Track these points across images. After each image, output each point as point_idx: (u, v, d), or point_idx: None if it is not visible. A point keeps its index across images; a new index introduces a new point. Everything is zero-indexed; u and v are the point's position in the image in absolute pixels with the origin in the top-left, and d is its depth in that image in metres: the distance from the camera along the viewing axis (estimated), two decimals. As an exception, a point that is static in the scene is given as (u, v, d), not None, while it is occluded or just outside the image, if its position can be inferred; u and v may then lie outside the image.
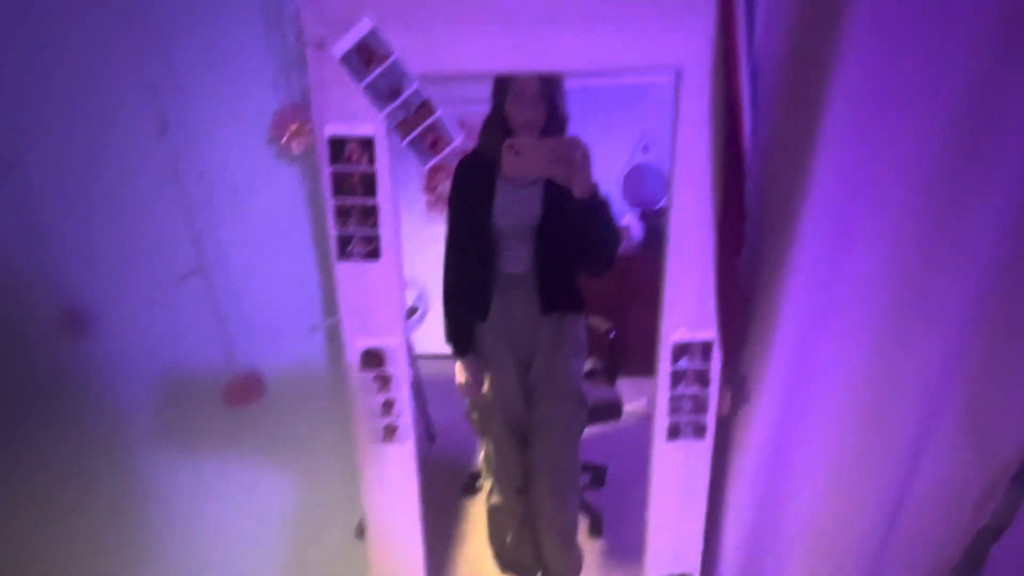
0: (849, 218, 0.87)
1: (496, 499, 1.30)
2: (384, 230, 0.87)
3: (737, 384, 0.96)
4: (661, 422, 0.95)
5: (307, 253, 0.96)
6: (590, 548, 1.56)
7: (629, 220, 2.49)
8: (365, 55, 0.80)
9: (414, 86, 0.81)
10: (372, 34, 0.79)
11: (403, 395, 0.96)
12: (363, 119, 0.83)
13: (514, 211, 1.13)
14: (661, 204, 2.51)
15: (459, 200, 1.18)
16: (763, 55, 0.79)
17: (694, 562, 1.05)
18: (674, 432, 0.95)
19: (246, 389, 1.01)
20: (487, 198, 1.13)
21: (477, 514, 1.68)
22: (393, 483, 1.00)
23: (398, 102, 0.82)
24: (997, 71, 0.78)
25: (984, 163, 0.82)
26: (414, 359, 1.95)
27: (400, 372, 0.94)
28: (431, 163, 0.84)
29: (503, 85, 1.08)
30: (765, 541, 1.06)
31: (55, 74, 0.88)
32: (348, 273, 0.89)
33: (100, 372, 1.03)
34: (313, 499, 1.12)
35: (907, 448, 0.97)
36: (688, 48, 0.79)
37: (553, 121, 1.09)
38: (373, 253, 0.88)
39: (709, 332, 0.90)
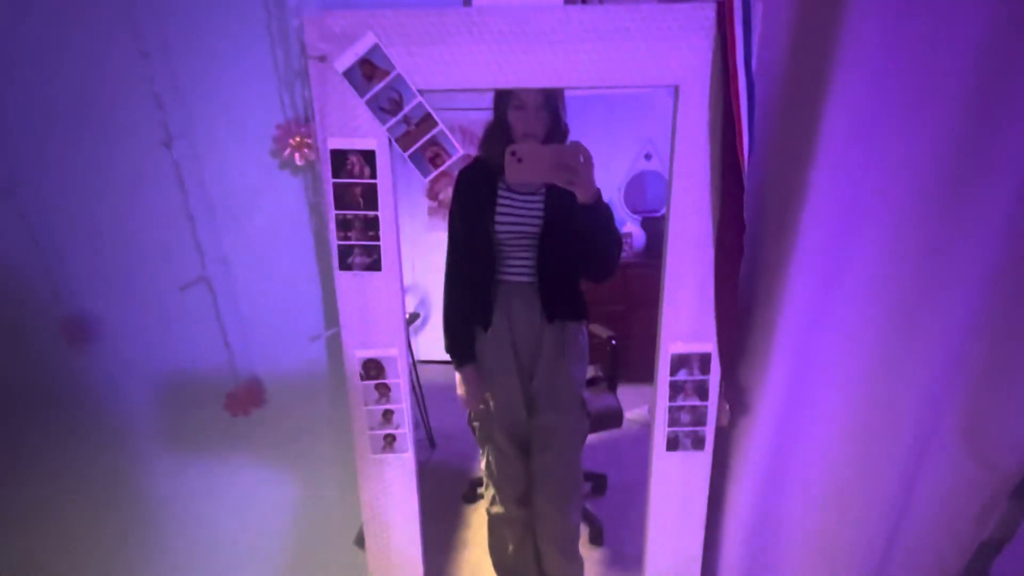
0: (847, 229, 0.87)
1: (497, 508, 1.30)
2: (385, 241, 0.88)
3: (736, 395, 0.96)
4: (660, 433, 0.95)
5: (309, 263, 0.97)
6: (591, 557, 1.55)
7: (631, 228, 2.50)
8: (368, 70, 0.81)
9: (416, 100, 0.82)
10: (375, 50, 0.80)
11: (403, 405, 0.96)
12: (365, 132, 0.84)
13: (516, 219, 1.14)
14: (663, 212, 2.51)
15: (461, 209, 1.19)
16: (761, 70, 0.80)
17: (694, 572, 1.05)
18: (673, 443, 0.96)
19: (247, 397, 1.01)
20: (489, 206, 1.14)
21: (477, 521, 1.68)
22: (393, 493, 1.00)
23: (400, 116, 0.83)
24: (995, 82, 0.78)
25: (983, 173, 0.82)
26: (415, 365, 1.96)
27: (400, 382, 0.95)
28: (431, 175, 0.85)
29: (505, 95, 1.09)
30: (765, 552, 1.06)
31: (62, 85, 0.89)
32: (349, 283, 0.90)
33: (104, 378, 1.04)
34: (313, 507, 1.12)
35: (907, 460, 0.97)
36: (686, 65, 0.80)
37: (555, 130, 1.10)
38: (374, 264, 0.89)
39: (708, 344, 0.91)
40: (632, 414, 1.85)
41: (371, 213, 0.87)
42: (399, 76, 0.81)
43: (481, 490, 1.35)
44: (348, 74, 0.81)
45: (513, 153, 0.90)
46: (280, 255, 0.97)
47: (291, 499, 1.12)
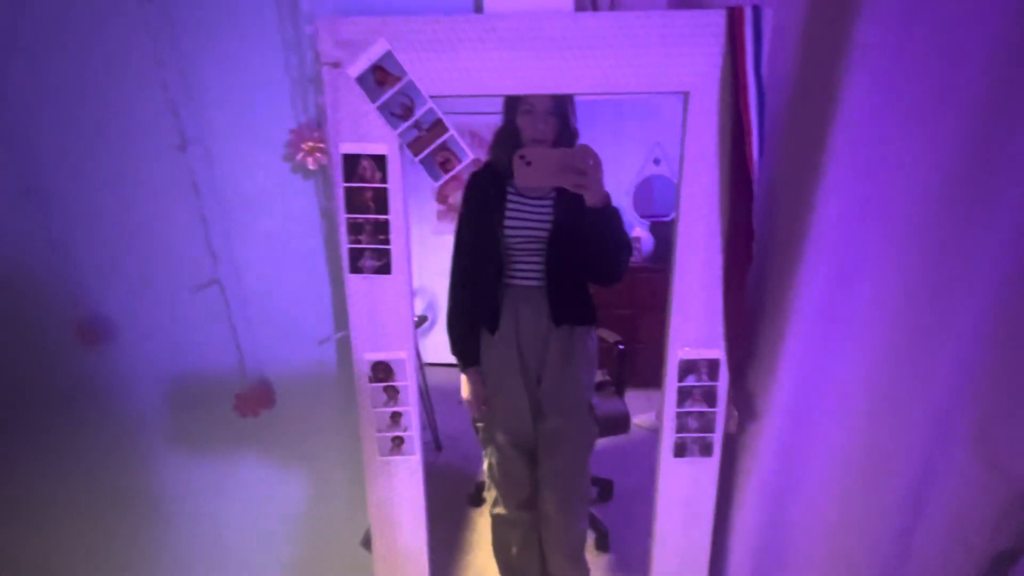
0: (857, 236, 0.87)
1: (500, 510, 1.30)
2: (395, 245, 0.89)
3: (745, 401, 0.96)
4: (667, 439, 0.95)
5: (319, 266, 0.98)
6: (596, 563, 1.54)
7: (639, 232, 2.49)
8: (380, 76, 0.81)
9: (427, 106, 0.83)
10: (387, 56, 0.81)
11: (411, 408, 0.97)
12: (376, 137, 0.84)
13: (525, 222, 1.14)
14: (671, 216, 2.50)
15: (471, 212, 1.19)
16: (771, 77, 0.80)
17: (700, 580, 1.04)
18: (680, 450, 0.95)
19: (257, 398, 1.02)
20: (499, 210, 1.15)
21: (483, 524, 1.68)
22: (400, 495, 1.01)
23: (411, 121, 0.83)
24: (1006, 86, 0.78)
25: (994, 181, 0.82)
26: (422, 367, 1.96)
27: (409, 385, 0.95)
28: (442, 180, 0.86)
29: (514, 100, 1.10)
30: (773, 560, 1.05)
31: (80, 91, 0.91)
32: (359, 286, 0.91)
33: (117, 378, 1.06)
34: (320, 508, 1.13)
35: (918, 469, 0.96)
36: (696, 71, 0.80)
37: (564, 135, 1.11)
38: (384, 268, 0.89)
39: (716, 350, 0.90)
40: (639, 419, 1.84)
41: (382, 217, 0.87)
42: (411, 82, 0.82)
43: (485, 493, 1.35)
44: (360, 80, 0.82)
45: (521, 157, 0.90)
46: (291, 258, 0.98)
47: (298, 500, 1.12)
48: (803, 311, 0.88)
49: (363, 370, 0.94)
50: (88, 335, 1.01)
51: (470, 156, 0.86)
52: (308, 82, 0.88)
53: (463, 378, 1.26)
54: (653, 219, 2.52)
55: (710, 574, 1.04)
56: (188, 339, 1.02)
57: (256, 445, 1.09)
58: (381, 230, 0.88)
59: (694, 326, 0.90)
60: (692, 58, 0.79)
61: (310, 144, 0.88)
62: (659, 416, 0.96)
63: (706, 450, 0.95)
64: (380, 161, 0.85)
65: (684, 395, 0.93)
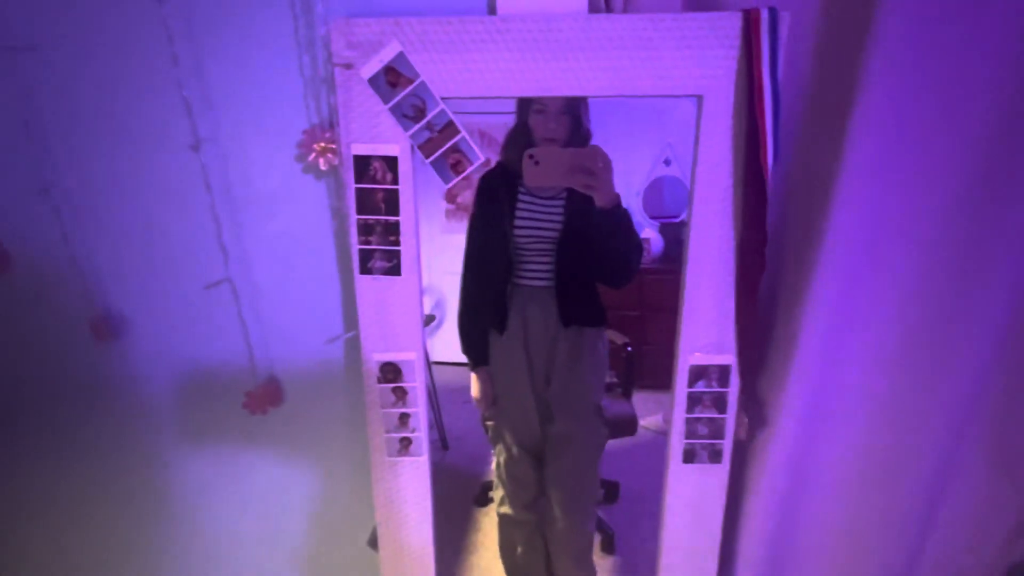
0: (872, 242, 0.86)
1: (506, 509, 1.31)
2: (405, 246, 0.89)
3: (755, 408, 0.95)
4: (677, 445, 0.94)
5: (330, 266, 0.98)
6: (603, 565, 1.54)
7: (649, 232, 2.48)
8: (392, 77, 0.81)
9: (439, 108, 0.83)
10: (400, 57, 0.80)
11: (419, 409, 0.97)
12: (388, 139, 0.84)
13: (536, 223, 1.14)
14: (681, 217, 2.48)
15: (482, 212, 1.19)
16: (787, 82, 0.79)
17: (707, 586, 1.04)
18: (689, 456, 0.95)
19: (266, 396, 1.03)
20: (510, 210, 1.14)
21: (489, 524, 1.68)
22: (406, 495, 1.01)
23: (423, 123, 0.83)
24: None
25: (1013, 190, 0.80)
26: (430, 367, 1.97)
27: (417, 386, 0.95)
28: (453, 182, 0.86)
29: (526, 100, 1.10)
30: (781, 568, 1.04)
31: (95, 91, 0.92)
32: (369, 287, 0.91)
33: (128, 375, 1.07)
34: (327, 508, 1.13)
35: (932, 478, 0.95)
36: (711, 75, 0.79)
37: (576, 135, 1.10)
38: (394, 269, 0.89)
39: (727, 356, 0.90)
40: (646, 421, 1.83)
41: (392, 218, 0.87)
42: (423, 83, 0.82)
43: (492, 493, 1.36)
44: (373, 81, 0.82)
45: (531, 156, 0.90)
46: (302, 258, 0.98)
47: (305, 499, 1.13)
48: (816, 317, 0.87)
49: (372, 370, 0.94)
50: (101, 331, 1.02)
51: (481, 158, 0.86)
52: (321, 83, 0.88)
53: (473, 377, 1.26)
54: (663, 220, 2.50)
55: (717, 580, 1.04)
56: (199, 336, 1.03)
57: (264, 443, 1.09)
58: (391, 231, 0.88)
59: (705, 332, 0.89)
60: (706, 61, 0.78)
61: (322, 145, 0.89)
62: (668, 421, 0.95)
63: (716, 456, 0.94)
64: (391, 162, 0.85)
65: (694, 401, 0.92)
